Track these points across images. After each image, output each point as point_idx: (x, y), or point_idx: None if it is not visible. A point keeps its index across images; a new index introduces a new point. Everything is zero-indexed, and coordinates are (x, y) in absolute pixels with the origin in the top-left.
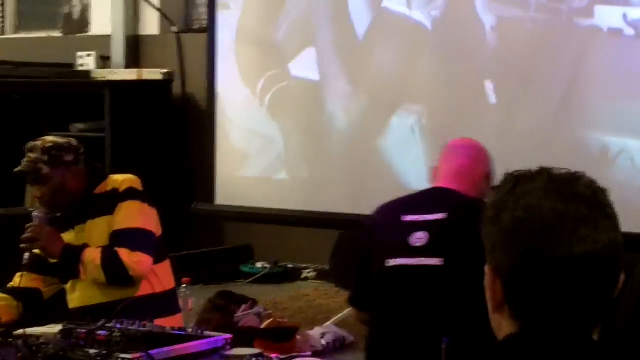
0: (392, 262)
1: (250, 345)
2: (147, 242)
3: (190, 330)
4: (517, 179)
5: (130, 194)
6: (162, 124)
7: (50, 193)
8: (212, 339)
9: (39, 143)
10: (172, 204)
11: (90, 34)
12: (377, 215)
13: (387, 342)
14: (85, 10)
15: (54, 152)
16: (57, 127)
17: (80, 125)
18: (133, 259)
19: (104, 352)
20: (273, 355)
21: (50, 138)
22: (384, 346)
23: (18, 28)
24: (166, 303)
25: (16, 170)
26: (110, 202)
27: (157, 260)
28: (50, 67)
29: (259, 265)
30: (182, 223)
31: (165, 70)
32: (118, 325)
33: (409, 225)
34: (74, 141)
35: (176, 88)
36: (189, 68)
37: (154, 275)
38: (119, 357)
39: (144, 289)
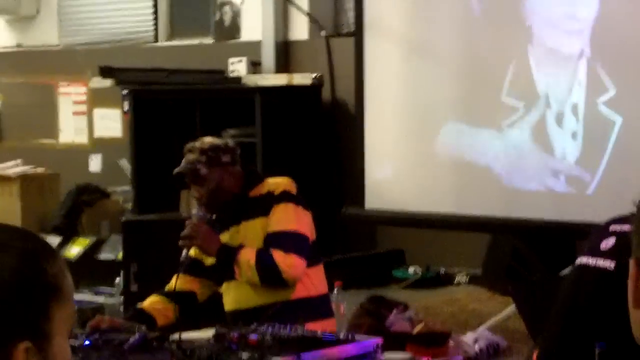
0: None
1: (402, 350)
2: (301, 246)
3: (341, 334)
4: None
5: (286, 196)
6: (312, 129)
7: (208, 193)
8: (364, 343)
9: (197, 144)
10: (322, 209)
11: (241, 40)
12: None
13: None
14: (236, 16)
15: (212, 153)
16: (209, 133)
17: (232, 131)
18: (287, 262)
19: (256, 355)
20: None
21: (208, 139)
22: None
23: (171, 36)
24: (320, 307)
25: (175, 171)
26: (266, 204)
27: (311, 264)
28: (202, 73)
29: (411, 269)
30: (333, 227)
31: (315, 75)
32: (270, 329)
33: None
34: (231, 142)
35: (326, 92)
36: (338, 72)
37: (307, 278)
38: None
39: (298, 292)
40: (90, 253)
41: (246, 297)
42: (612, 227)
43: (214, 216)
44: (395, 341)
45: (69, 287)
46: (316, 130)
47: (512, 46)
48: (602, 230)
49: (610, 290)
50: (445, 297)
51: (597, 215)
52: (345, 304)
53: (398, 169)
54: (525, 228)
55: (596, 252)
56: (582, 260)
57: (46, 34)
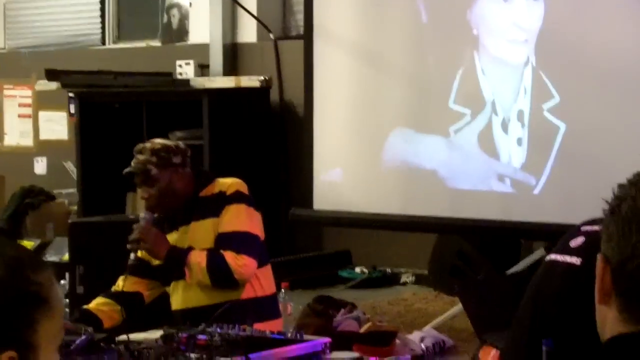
0: None
1: (349, 350)
2: (253, 246)
3: (289, 334)
4: None
5: (237, 197)
6: (260, 131)
7: (157, 194)
8: (312, 342)
9: (148, 145)
10: (270, 210)
11: (189, 42)
12: None
13: None
14: (183, 19)
15: (163, 154)
16: (156, 135)
17: (180, 133)
18: (238, 262)
19: (204, 356)
20: (372, 359)
21: (158, 140)
22: None
23: (118, 38)
24: (267, 307)
25: (125, 171)
26: (217, 204)
27: (260, 265)
28: (149, 76)
29: (357, 270)
30: (281, 228)
31: (263, 78)
32: (218, 330)
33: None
34: (181, 144)
35: (274, 95)
36: (286, 75)
37: (256, 279)
38: None
39: (246, 293)
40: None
41: (195, 296)
42: (583, 228)
43: (156, 215)
44: (342, 341)
45: (56, 300)
46: (264, 132)
47: (460, 54)
48: (573, 231)
49: (575, 285)
50: (391, 297)
51: (542, 216)
52: (293, 304)
53: (346, 171)
54: (471, 228)
55: (565, 250)
56: (551, 257)
57: None
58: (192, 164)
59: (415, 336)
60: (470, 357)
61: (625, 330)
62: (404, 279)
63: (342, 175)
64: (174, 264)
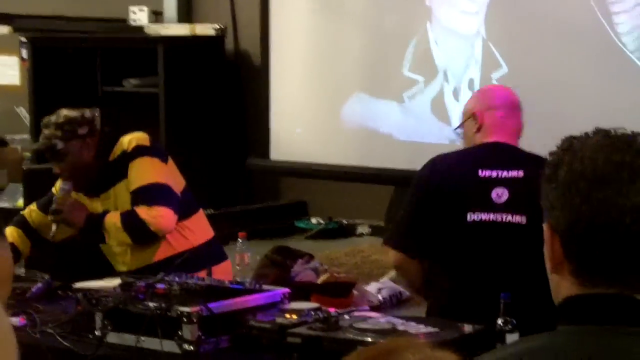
0: (474, 216)
1: (308, 300)
2: (163, 195)
3: (248, 284)
4: (573, 138)
5: (138, 151)
6: (215, 79)
7: (68, 167)
8: (271, 292)
9: (52, 118)
10: (227, 160)
11: None
12: (445, 167)
13: (465, 295)
14: None
15: (67, 127)
16: (110, 82)
17: (134, 81)
18: (152, 214)
19: (163, 305)
20: (331, 310)
21: (63, 112)
22: (461, 299)
23: None
24: (208, 253)
25: (33, 148)
26: (123, 165)
27: (186, 215)
28: (103, 22)
29: (313, 220)
30: (237, 178)
31: (218, 26)
32: (177, 279)
33: (486, 180)
34: (88, 112)
35: (229, 43)
36: (241, 23)
37: (187, 230)
38: (178, 310)
39: (181, 245)
40: None
41: (130, 259)
42: (483, 174)
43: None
44: (300, 291)
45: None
46: (220, 81)
47: (413, 24)
48: (477, 180)
49: (523, 243)
50: (348, 248)
51: None
52: (250, 254)
53: (303, 122)
54: None
55: (490, 206)
56: (476, 217)
57: None
58: (101, 129)
59: (372, 287)
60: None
61: (580, 292)
62: (360, 230)
63: (299, 126)
64: (93, 230)
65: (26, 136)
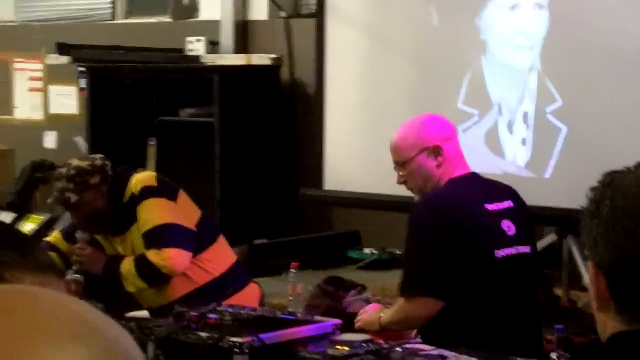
0: (502, 252)
1: (360, 332)
2: (173, 236)
3: (299, 315)
4: (614, 173)
5: (144, 194)
6: (270, 109)
7: (85, 218)
8: (322, 324)
9: (63, 171)
10: (280, 189)
11: (199, 19)
12: (450, 205)
13: (499, 329)
14: None
15: (79, 179)
16: (166, 112)
17: (190, 111)
18: (162, 257)
19: (215, 335)
20: (382, 342)
21: (74, 163)
22: (496, 334)
23: (129, 14)
24: (232, 281)
25: (48, 202)
26: (133, 208)
27: (204, 247)
28: (160, 52)
29: (366, 251)
30: (291, 208)
31: (274, 56)
32: (229, 309)
33: (494, 213)
34: (98, 160)
35: (285, 73)
36: (297, 53)
37: (207, 262)
38: (230, 341)
39: (202, 279)
40: (44, 230)
41: (151, 298)
42: (490, 208)
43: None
44: (352, 322)
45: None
46: (275, 111)
47: (468, 57)
48: (488, 215)
49: (533, 272)
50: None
51: (552, 201)
52: (302, 284)
53: (357, 152)
54: None
55: (507, 240)
56: (503, 253)
57: (2, 10)
58: (112, 173)
59: None
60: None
61: (627, 329)
62: None
63: (352, 156)
64: (112, 278)
65: None
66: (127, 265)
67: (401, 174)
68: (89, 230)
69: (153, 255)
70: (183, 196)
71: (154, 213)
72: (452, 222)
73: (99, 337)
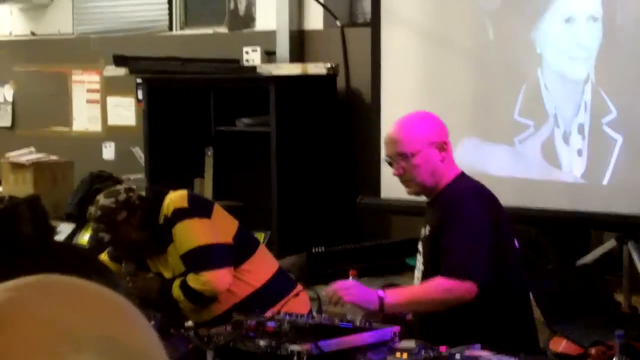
0: (517, 243)
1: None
2: (209, 257)
3: (358, 322)
4: None
5: (176, 216)
6: (326, 118)
7: (123, 250)
8: (381, 331)
9: (92, 211)
10: (337, 198)
11: (255, 29)
12: (492, 194)
13: (527, 320)
14: (250, 6)
15: (106, 219)
16: (223, 122)
17: (246, 120)
18: (202, 281)
19: (274, 343)
20: (442, 349)
21: (100, 202)
22: (526, 324)
23: (185, 24)
24: (275, 290)
25: (86, 247)
26: (168, 230)
27: (243, 259)
28: (216, 62)
29: None
30: (349, 217)
31: (330, 65)
32: (287, 317)
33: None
34: (122, 194)
35: (340, 82)
36: (353, 62)
37: (247, 273)
38: (288, 349)
39: (244, 291)
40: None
41: (196, 314)
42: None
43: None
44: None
45: None
46: (331, 119)
47: (524, 70)
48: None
49: None
50: None
51: (611, 207)
52: None
53: None
54: (539, 217)
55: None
56: (517, 244)
57: (60, 22)
58: (145, 197)
59: None
60: (541, 348)
61: None
62: None
63: None
64: (169, 303)
65: (141, 176)
66: (177, 292)
67: (402, 165)
68: (129, 257)
69: (192, 281)
70: (218, 210)
71: (188, 236)
72: (496, 212)
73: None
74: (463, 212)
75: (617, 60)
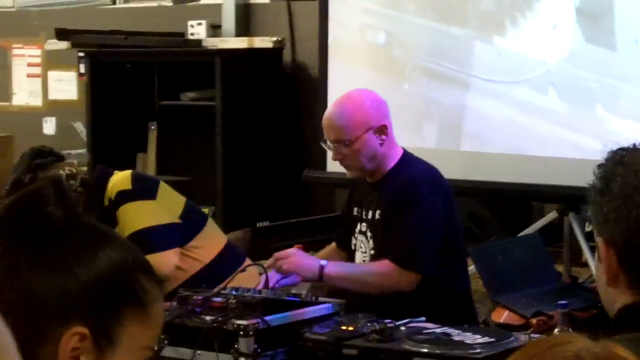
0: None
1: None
2: (151, 240)
3: (304, 296)
4: (624, 151)
5: (119, 198)
6: (272, 92)
7: None
8: (327, 304)
9: None
10: (283, 172)
11: (200, 2)
12: (445, 180)
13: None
14: None
15: None
16: (168, 96)
17: (191, 94)
18: None
19: (220, 318)
20: (387, 320)
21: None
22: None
23: None
24: (225, 264)
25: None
26: (114, 213)
27: (191, 235)
28: (161, 36)
29: None
30: (294, 191)
31: (276, 38)
32: (234, 292)
33: None
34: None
35: (287, 56)
36: (299, 36)
37: (196, 250)
38: (234, 324)
39: (193, 267)
40: None
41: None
42: None
43: None
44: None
45: (154, 316)
46: (277, 94)
47: (478, 30)
48: None
49: None
50: None
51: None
52: None
53: None
54: (482, 190)
55: None
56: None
57: None
58: (85, 181)
59: None
60: (482, 319)
61: (637, 300)
62: None
63: None
64: None
65: (82, 151)
66: None
67: (341, 151)
68: None
69: None
70: (163, 189)
71: (130, 219)
72: (449, 200)
73: None
74: (419, 200)
75: None
